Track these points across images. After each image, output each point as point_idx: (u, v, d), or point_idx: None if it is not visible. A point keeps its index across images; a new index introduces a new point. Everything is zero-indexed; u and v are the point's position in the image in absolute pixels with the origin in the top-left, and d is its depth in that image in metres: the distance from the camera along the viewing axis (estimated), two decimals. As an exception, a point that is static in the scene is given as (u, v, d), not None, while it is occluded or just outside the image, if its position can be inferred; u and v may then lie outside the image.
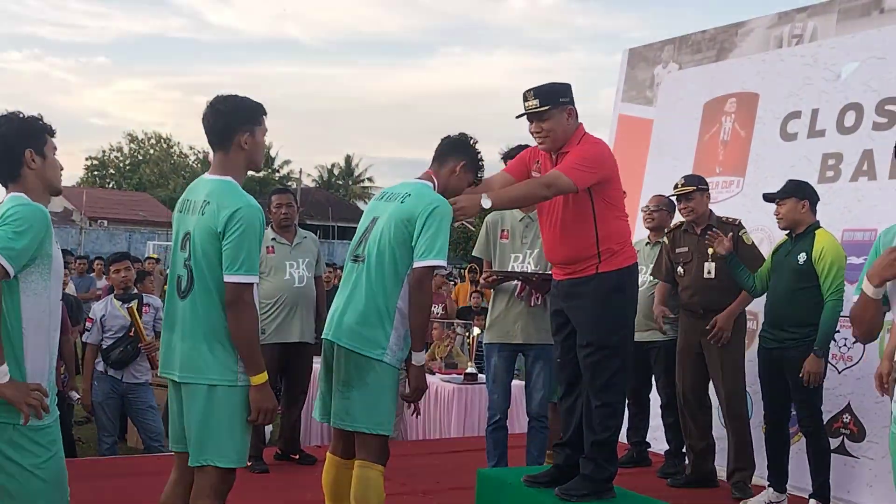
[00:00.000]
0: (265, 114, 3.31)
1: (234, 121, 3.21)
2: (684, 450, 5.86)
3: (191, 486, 3.26)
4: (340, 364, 3.65)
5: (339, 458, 3.79)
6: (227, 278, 3.07)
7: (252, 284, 3.10)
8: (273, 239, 5.76)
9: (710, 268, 5.33)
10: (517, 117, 3.89)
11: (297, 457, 5.93)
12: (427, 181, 3.79)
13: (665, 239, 5.68)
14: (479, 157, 3.84)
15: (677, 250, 5.52)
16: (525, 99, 3.86)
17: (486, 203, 3.67)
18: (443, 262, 3.56)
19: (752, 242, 5.35)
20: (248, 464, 5.67)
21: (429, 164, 3.90)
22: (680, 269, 5.49)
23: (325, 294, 6.15)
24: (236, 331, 3.09)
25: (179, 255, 3.22)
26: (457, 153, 3.83)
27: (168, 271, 3.46)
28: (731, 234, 5.33)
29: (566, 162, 3.78)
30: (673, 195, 5.51)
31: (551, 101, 3.82)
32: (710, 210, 5.50)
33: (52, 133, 3.01)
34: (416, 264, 3.57)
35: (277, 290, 5.64)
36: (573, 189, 3.72)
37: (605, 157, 3.87)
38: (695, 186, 5.40)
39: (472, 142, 3.88)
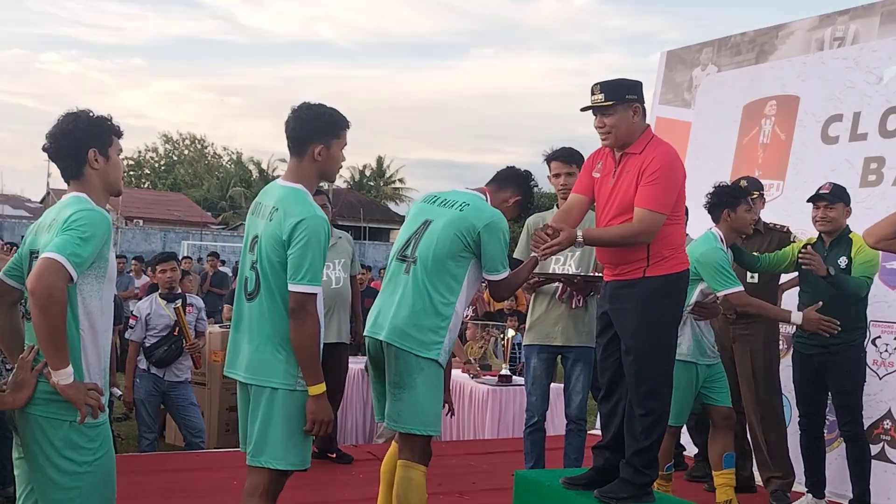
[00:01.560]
0: (347, 127, 3.32)
1: (311, 131, 3.24)
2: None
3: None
4: (391, 365, 3.73)
5: None
6: (291, 287, 3.11)
7: (315, 294, 3.14)
8: None
9: (752, 274, 5.28)
10: (581, 110, 3.81)
11: (335, 456, 5.97)
12: (480, 195, 3.90)
13: None
14: (532, 200, 3.90)
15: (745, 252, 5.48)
16: (592, 92, 3.77)
17: (580, 238, 3.68)
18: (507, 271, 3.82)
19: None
20: None
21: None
22: None
23: (359, 293, 6.18)
24: (297, 339, 3.14)
25: (248, 258, 3.29)
26: (517, 187, 3.97)
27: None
28: (775, 239, 5.30)
29: (644, 192, 3.66)
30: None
31: (617, 97, 3.70)
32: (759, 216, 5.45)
33: (119, 135, 3.04)
34: (491, 278, 3.79)
35: None
36: (664, 217, 3.67)
37: (677, 168, 3.75)
38: (759, 192, 5.36)
39: (533, 182, 4.00)
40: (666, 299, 3.75)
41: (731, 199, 4.73)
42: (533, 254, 3.86)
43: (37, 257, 2.82)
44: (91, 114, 2.98)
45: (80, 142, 2.92)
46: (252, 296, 3.23)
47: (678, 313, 3.88)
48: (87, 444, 2.83)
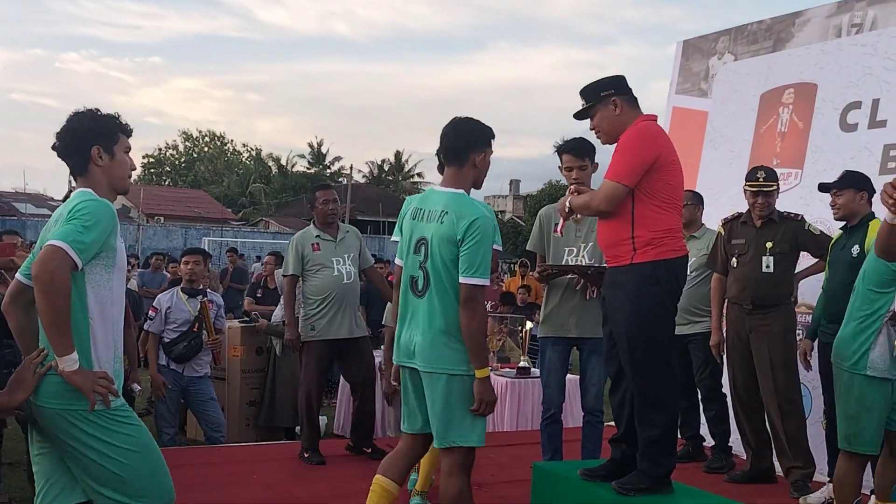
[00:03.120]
0: (494, 137, 3.67)
1: (472, 142, 3.60)
2: (730, 443, 5.83)
3: (413, 461, 3.77)
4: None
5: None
6: (464, 280, 3.45)
7: (486, 287, 3.48)
8: (317, 236, 5.78)
9: (768, 262, 5.26)
10: (576, 118, 3.99)
11: (370, 450, 5.90)
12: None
13: (721, 230, 5.62)
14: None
15: (733, 241, 5.45)
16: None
17: (568, 204, 3.96)
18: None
19: (820, 231, 5.27)
20: (306, 455, 5.73)
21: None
22: (734, 261, 5.43)
23: (386, 282, 6.14)
24: (468, 327, 3.46)
25: (413, 258, 3.61)
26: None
27: (402, 272, 3.68)
28: (790, 228, 5.27)
29: (610, 164, 3.79)
30: (752, 188, 5.33)
31: (594, 98, 3.87)
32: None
33: (126, 133, 3.09)
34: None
35: (326, 287, 5.65)
36: (623, 188, 3.68)
37: (645, 142, 3.75)
38: (776, 183, 5.33)
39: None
40: (655, 286, 3.73)
41: None
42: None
43: None
44: (97, 112, 3.04)
45: (83, 139, 2.99)
46: (422, 293, 3.56)
47: (668, 301, 3.80)
48: (116, 426, 2.88)
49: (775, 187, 5.33)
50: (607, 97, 3.85)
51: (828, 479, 5.05)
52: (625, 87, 3.88)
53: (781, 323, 5.24)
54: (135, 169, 3.18)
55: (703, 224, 6.02)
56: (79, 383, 2.78)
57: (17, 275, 3.09)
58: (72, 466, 2.90)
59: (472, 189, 3.71)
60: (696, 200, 5.98)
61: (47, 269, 2.71)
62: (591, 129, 3.96)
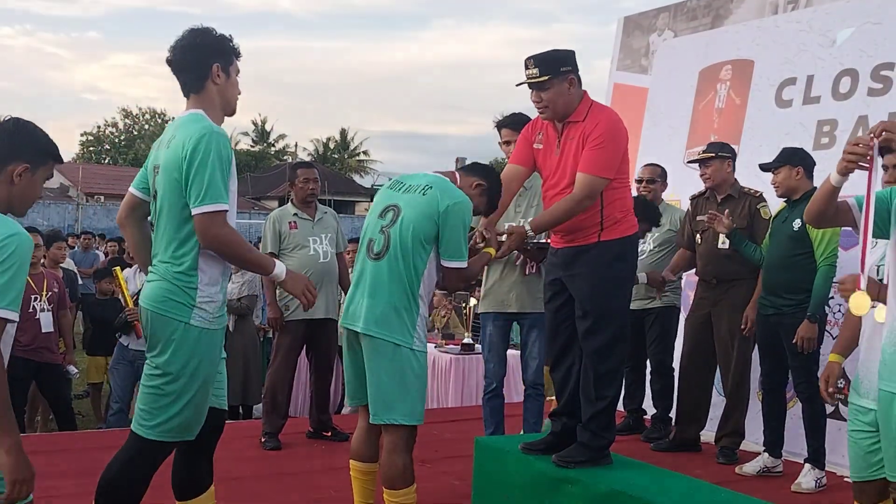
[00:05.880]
0: (498, 193, 3.85)
1: (483, 175, 3.79)
2: (671, 414, 5.91)
3: (378, 431, 3.64)
4: None
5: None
6: (448, 263, 3.53)
7: (462, 269, 3.57)
8: (295, 214, 5.70)
9: (724, 238, 5.29)
10: (517, 85, 3.80)
11: (330, 434, 5.87)
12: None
13: (689, 206, 5.69)
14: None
15: (698, 217, 5.51)
16: (526, 67, 3.76)
17: (531, 232, 3.85)
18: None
19: (770, 216, 5.24)
20: (263, 440, 5.67)
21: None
22: (697, 238, 5.50)
23: (347, 269, 6.09)
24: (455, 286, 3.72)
25: (377, 222, 3.58)
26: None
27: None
28: (747, 204, 5.31)
29: (589, 156, 3.68)
30: (692, 161, 5.45)
31: (552, 71, 3.70)
32: (735, 179, 5.44)
33: (239, 56, 3.16)
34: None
35: (301, 265, 5.52)
36: (605, 182, 3.70)
37: (621, 133, 3.79)
38: (714, 153, 5.37)
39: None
40: (621, 262, 3.82)
41: None
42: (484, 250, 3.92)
43: (158, 171, 2.99)
44: (215, 31, 3.10)
45: (205, 55, 3.04)
46: (379, 256, 3.52)
47: (632, 276, 3.94)
48: (194, 346, 2.94)
49: (713, 156, 5.36)
50: (566, 73, 3.73)
51: (763, 448, 5.17)
52: (577, 65, 3.82)
53: (741, 297, 5.30)
54: (240, 94, 3.19)
55: (662, 199, 6.07)
56: (290, 287, 3.11)
57: (131, 188, 3.19)
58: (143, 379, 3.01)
59: None
60: (664, 177, 6.01)
61: (212, 237, 2.89)
62: (537, 101, 3.78)
